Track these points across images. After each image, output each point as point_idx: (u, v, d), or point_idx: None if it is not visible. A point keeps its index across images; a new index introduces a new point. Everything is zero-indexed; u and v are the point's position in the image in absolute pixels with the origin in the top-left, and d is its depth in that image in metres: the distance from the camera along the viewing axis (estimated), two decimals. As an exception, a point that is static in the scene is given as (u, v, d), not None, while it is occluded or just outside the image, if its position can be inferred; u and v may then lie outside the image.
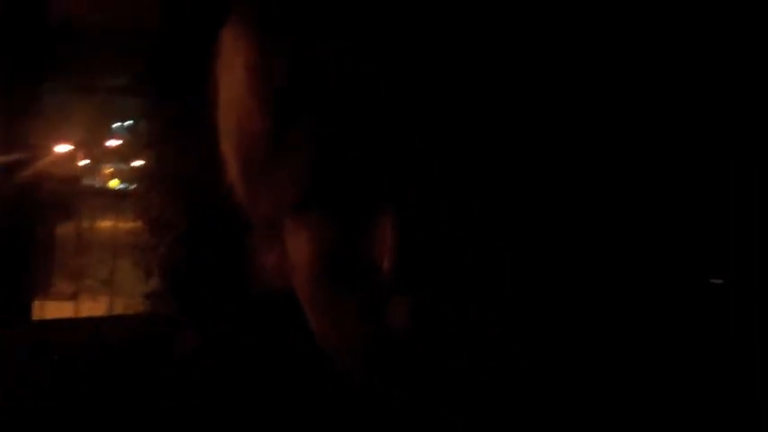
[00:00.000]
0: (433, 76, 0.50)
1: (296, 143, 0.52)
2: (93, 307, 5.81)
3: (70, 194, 7.09)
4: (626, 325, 0.55)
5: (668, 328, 0.56)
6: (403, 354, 0.51)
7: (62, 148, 7.72)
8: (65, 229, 8.14)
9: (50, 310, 5.09)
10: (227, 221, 0.70)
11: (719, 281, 0.57)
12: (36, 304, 4.18)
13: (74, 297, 5.68)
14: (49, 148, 5.11)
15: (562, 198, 0.52)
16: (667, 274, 0.56)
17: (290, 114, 0.53)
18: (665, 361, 0.56)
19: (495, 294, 0.50)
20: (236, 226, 0.68)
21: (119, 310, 4.92)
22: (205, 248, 0.77)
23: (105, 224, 8.23)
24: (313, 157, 0.52)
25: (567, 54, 0.51)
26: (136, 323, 1.02)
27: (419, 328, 0.50)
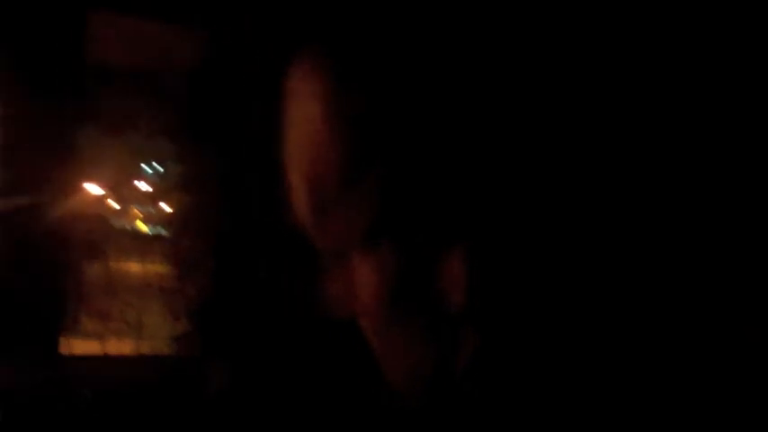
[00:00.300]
0: (503, 112, 0.50)
1: (368, 175, 0.53)
2: (119, 348, 5.83)
3: (99, 235, 7.15)
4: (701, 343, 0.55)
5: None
6: (466, 385, 0.51)
7: (93, 189, 7.81)
8: (93, 270, 8.20)
9: (78, 349, 5.11)
10: (259, 262, 0.70)
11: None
12: (63, 342, 4.20)
13: (101, 338, 5.70)
14: (80, 189, 5.17)
15: (631, 232, 0.52)
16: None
17: (363, 147, 0.53)
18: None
19: (564, 328, 0.50)
20: (269, 266, 0.68)
21: (145, 351, 4.93)
22: (235, 290, 0.77)
23: (133, 266, 8.28)
24: (385, 188, 0.52)
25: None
26: (164, 363, 1.02)
27: (484, 359, 0.50)
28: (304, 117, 0.58)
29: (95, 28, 4.02)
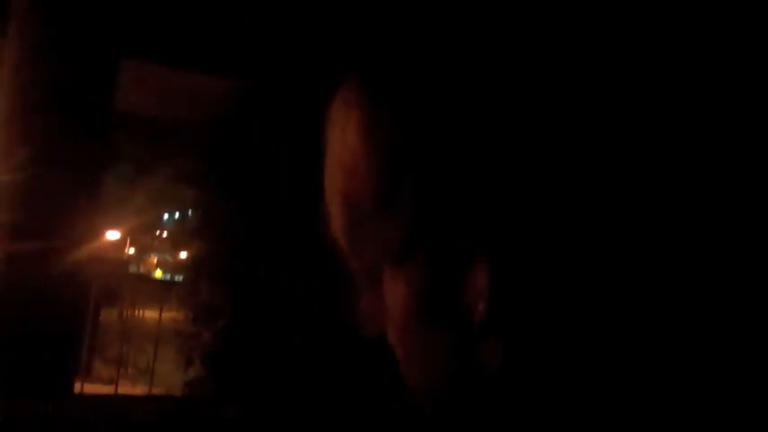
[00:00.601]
0: (523, 133, 0.53)
1: (400, 197, 0.56)
2: (131, 392, 5.83)
3: (117, 280, 7.19)
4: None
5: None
6: (490, 396, 0.53)
7: (112, 235, 7.89)
8: (108, 314, 8.23)
9: (92, 388, 5.11)
10: (274, 306, 0.73)
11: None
12: (77, 386, 4.22)
13: (112, 382, 5.71)
14: (100, 235, 5.22)
15: (644, 240, 0.54)
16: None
17: (395, 169, 0.57)
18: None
19: (586, 340, 0.52)
20: (284, 309, 0.71)
21: (158, 392, 4.93)
22: (252, 334, 0.79)
23: (148, 312, 8.30)
24: (415, 207, 0.55)
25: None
26: (176, 403, 1.04)
27: (509, 370, 0.52)
28: (342, 143, 0.61)
29: (123, 76, 4.11)
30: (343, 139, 0.59)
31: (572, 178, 0.52)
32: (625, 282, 0.53)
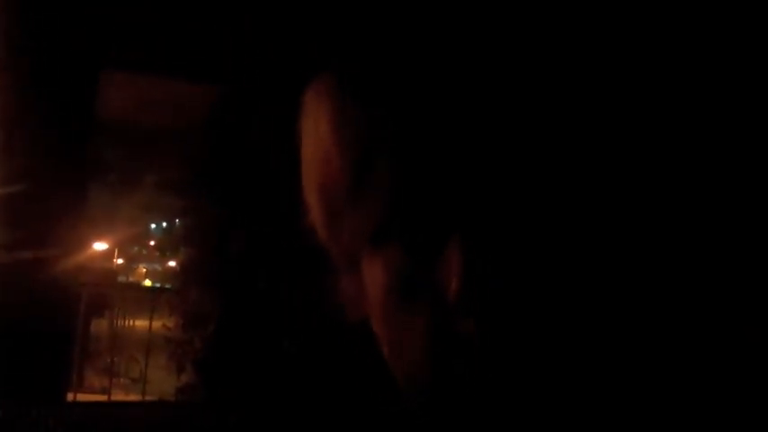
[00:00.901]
0: (494, 118, 0.55)
1: (373, 185, 0.58)
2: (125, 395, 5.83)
3: (106, 290, 7.17)
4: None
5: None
6: (469, 374, 0.55)
7: (100, 246, 7.87)
8: (98, 324, 8.20)
9: (83, 396, 5.10)
10: (264, 310, 0.74)
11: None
12: (69, 397, 4.21)
13: (105, 392, 5.70)
14: (88, 245, 5.21)
15: (626, 212, 0.56)
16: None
17: (368, 160, 0.58)
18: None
19: (560, 316, 0.54)
20: (274, 312, 0.72)
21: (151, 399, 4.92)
22: (242, 339, 0.81)
23: (138, 321, 8.27)
24: (389, 195, 0.57)
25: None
26: (168, 409, 1.05)
27: (484, 348, 0.54)
28: (315, 134, 0.63)
29: (105, 86, 4.10)
30: (315, 131, 0.61)
31: (541, 159, 0.54)
32: (603, 268, 0.55)
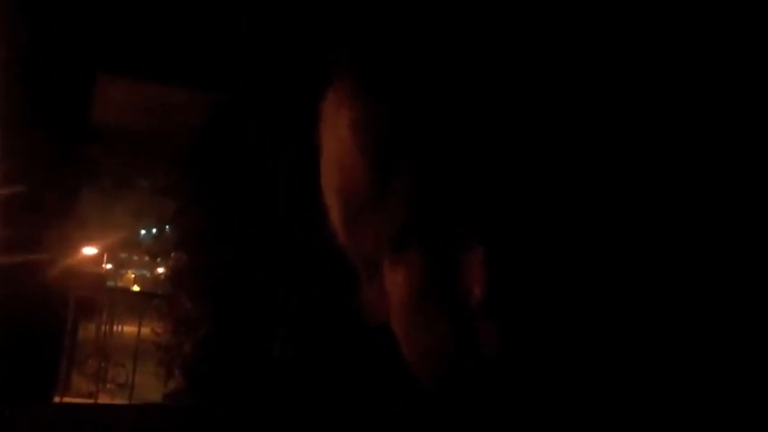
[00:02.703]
0: (521, 121, 0.56)
1: (395, 189, 0.59)
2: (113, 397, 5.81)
3: (94, 294, 7.15)
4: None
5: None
6: (490, 378, 0.55)
7: (89, 251, 7.84)
8: (86, 329, 8.18)
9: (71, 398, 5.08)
10: (254, 316, 0.75)
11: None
12: (56, 401, 4.20)
13: (92, 396, 5.68)
14: (77, 249, 5.20)
15: (636, 231, 0.57)
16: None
17: (390, 163, 0.59)
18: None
19: (582, 320, 0.54)
20: (268, 316, 0.73)
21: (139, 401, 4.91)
22: (233, 343, 0.82)
23: (126, 327, 8.25)
24: (410, 198, 0.58)
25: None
26: (156, 412, 1.06)
27: (507, 353, 0.54)
28: (334, 138, 0.64)
29: (99, 90, 4.11)
30: (335, 135, 0.62)
31: (564, 162, 0.54)
32: (619, 266, 0.56)
